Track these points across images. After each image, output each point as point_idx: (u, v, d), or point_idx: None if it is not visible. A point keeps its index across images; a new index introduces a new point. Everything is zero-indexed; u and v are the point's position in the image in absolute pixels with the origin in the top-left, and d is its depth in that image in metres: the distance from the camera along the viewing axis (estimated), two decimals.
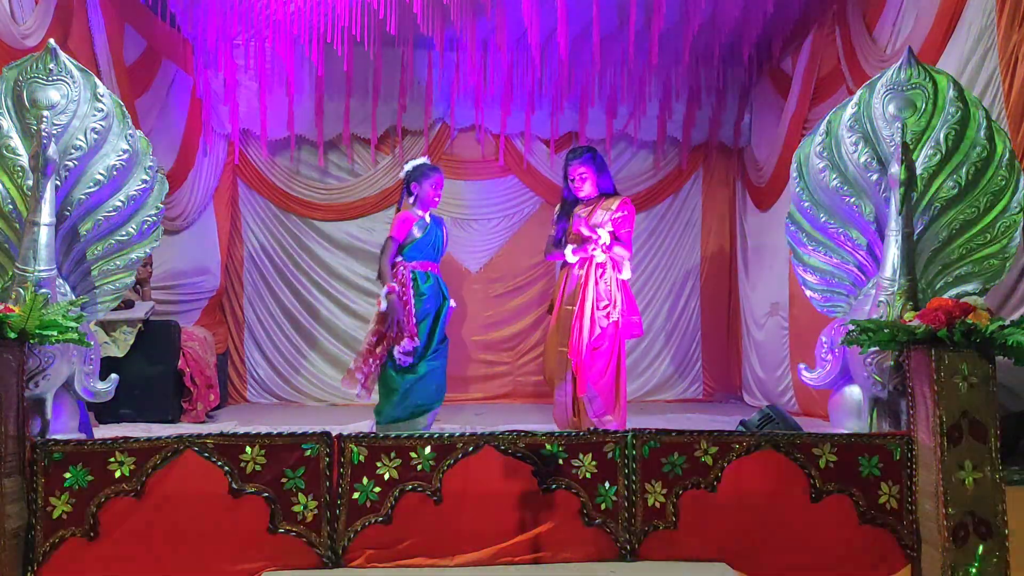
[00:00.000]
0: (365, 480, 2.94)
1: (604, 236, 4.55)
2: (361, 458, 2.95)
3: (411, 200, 4.87)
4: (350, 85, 7.07)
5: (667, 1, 5.57)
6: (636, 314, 4.75)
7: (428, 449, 2.96)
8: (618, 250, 4.61)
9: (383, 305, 4.62)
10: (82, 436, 3.21)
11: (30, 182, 3.10)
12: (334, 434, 2.98)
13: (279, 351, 7.40)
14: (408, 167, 4.96)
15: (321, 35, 5.85)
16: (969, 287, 3.29)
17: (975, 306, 2.82)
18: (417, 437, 2.99)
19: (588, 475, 2.99)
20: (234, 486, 2.89)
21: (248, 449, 2.91)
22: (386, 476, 2.94)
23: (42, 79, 3.17)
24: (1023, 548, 2.80)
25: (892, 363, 3.09)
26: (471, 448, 2.98)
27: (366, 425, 5.30)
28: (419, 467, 2.96)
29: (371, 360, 4.70)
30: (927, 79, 3.29)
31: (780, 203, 6.38)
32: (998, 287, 3.46)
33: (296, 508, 2.91)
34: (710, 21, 6.14)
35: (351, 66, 6.34)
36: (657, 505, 2.97)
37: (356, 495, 2.93)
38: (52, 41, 3.25)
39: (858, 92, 3.45)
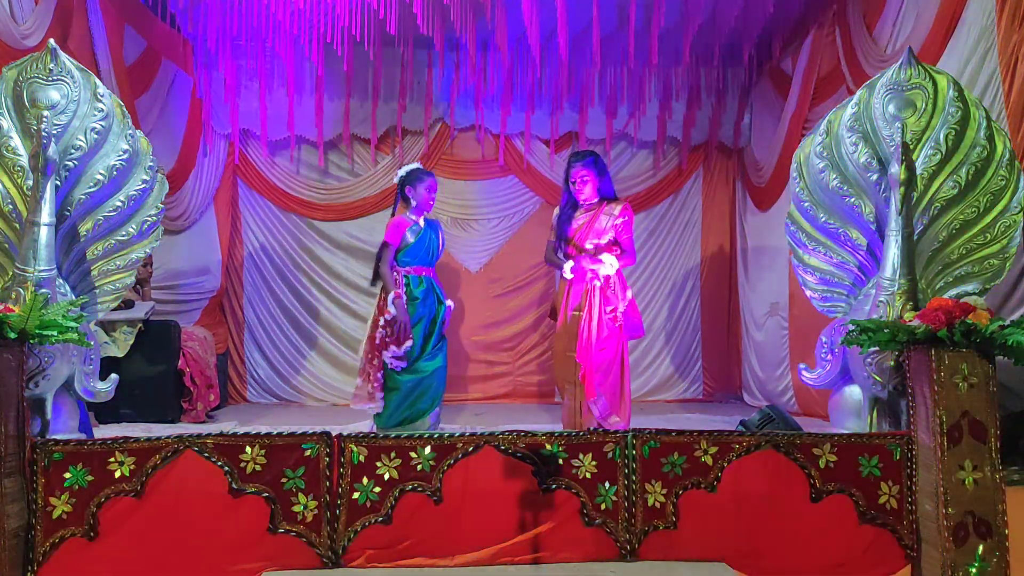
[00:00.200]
0: (365, 480, 2.94)
1: (609, 268, 4.59)
2: (361, 458, 2.95)
3: (406, 204, 4.89)
4: (350, 85, 7.07)
5: (667, 1, 5.57)
6: (637, 315, 4.77)
7: (428, 449, 2.96)
8: (618, 263, 4.67)
9: (391, 311, 4.65)
10: (82, 436, 3.21)
11: (30, 182, 3.10)
12: (334, 434, 2.98)
13: (279, 351, 7.40)
14: (402, 172, 4.99)
15: (321, 35, 5.84)
16: (969, 287, 3.29)
17: (975, 306, 2.82)
18: (417, 437, 2.99)
19: (588, 475, 2.99)
20: (234, 486, 2.89)
21: (248, 449, 2.91)
22: (386, 476, 2.95)
23: (42, 79, 3.17)
24: (1023, 548, 2.80)
25: (892, 363, 3.09)
26: (471, 448, 2.98)
27: (366, 425, 5.30)
28: (419, 467, 2.96)
29: (375, 372, 4.70)
30: (927, 79, 3.29)
31: (780, 203, 6.37)
32: (998, 287, 3.46)
33: (296, 508, 2.91)
34: (710, 21, 6.14)
35: (351, 66, 6.34)
36: (657, 505, 2.97)
37: (356, 495, 2.93)
38: (52, 41, 3.25)
39: (858, 92, 3.45)
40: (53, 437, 3.00)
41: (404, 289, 4.75)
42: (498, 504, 2.96)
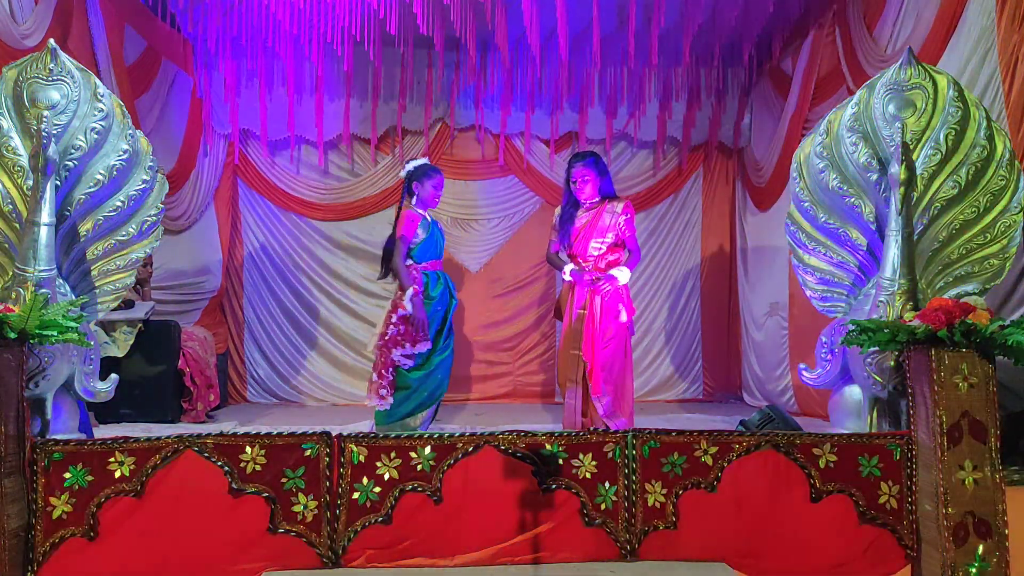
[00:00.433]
0: (365, 480, 2.94)
1: (625, 277, 4.66)
2: (361, 458, 2.95)
3: (412, 200, 4.88)
4: (350, 85, 7.07)
5: (667, 1, 5.57)
6: (631, 313, 4.83)
7: (428, 449, 2.96)
8: (630, 271, 4.73)
9: (408, 308, 4.62)
10: (82, 436, 3.21)
11: (30, 182, 3.10)
12: (334, 434, 2.98)
13: (279, 351, 7.40)
14: (409, 167, 4.98)
15: (321, 35, 5.84)
16: (969, 287, 3.29)
17: (975, 306, 2.82)
18: (417, 437, 2.99)
19: (588, 475, 2.99)
20: (234, 486, 2.89)
21: (248, 449, 2.91)
22: (386, 476, 2.95)
23: (42, 79, 3.17)
24: (1023, 548, 2.80)
25: (892, 363, 3.09)
26: (471, 448, 2.98)
27: (366, 425, 5.30)
28: (419, 467, 2.96)
29: (386, 369, 4.68)
30: (927, 79, 3.29)
31: (780, 203, 6.37)
32: (998, 287, 3.46)
33: (296, 508, 2.91)
34: (710, 21, 6.14)
35: (351, 66, 6.34)
36: (657, 505, 2.97)
37: (356, 495, 2.93)
38: (52, 41, 3.25)
39: (858, 92, 3.45)
40: (53, 437, 3.00)
41: (422, 287, 4.72)
42: (498, 504, 2.96)
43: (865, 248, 3.47)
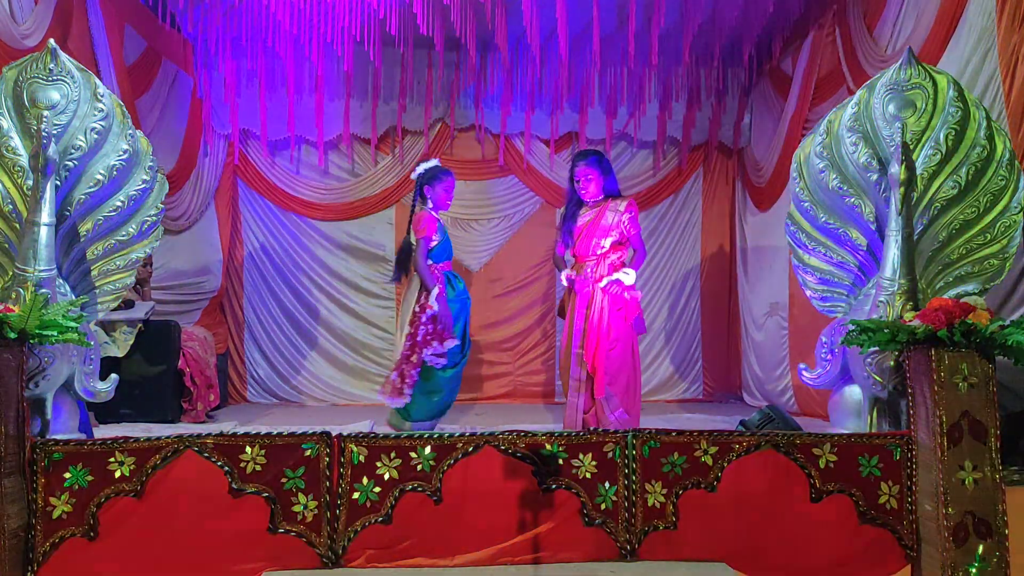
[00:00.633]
0: (365, 480, 2.94)
1: (627, 279, 4.63)
2: (361, 458, 2.95)
3: (423, 202, 4.84)
4: (350, 85, 7.07)
5: (667, 1, 5.57)
6: (640, 312, 4.79)
7: (428, 449, 2.96)
8: (634, 272, 4.70)
9: (436, 307, 4.58)
10: (82, 436, 3.21)
11: (30, 182, 3.10)
12: (334, 434, 2.98)
13: (279, 351, 7.40)
14: (420, 169, 4.92)
15: (321, 35, 5.84)
16: (969, 287, 3.29)
17: (975, 306, 2.82)
18: (417, 437, 2.99)
19: (588, 475, 2.99)
20: (234, 486, 2.89)
21: (248, 449, 2.91)
22: (386, 476, 2.94)
23: (42, 79, 3.17)
24: (1023, 548, 2.80)
25: (892, 363, 3.09)
26: (471, 448, 2.98)
27: (366, 425, 5.29)
28: (419, 467, 2.96)
29: (411, 369, 4.62)
30: (927, 79, 3.29)
31: (780, 203, 6.37)
32: (998, 287, 3.46)
33: (296, 508, 2.91)
34: (710, 21, 6.14)
35: (351, 66, 6.34)
36: (657, 505, 2.97)
37: (356, 495, 2.93)
38: (52, 41, 3.25)
39: (858, 92, 3.45)
40: (53, 437, 3.00)
41: (445, 286, 4.69)
42: (498, 504, 2.96)
43: (865, 248, 3.47)
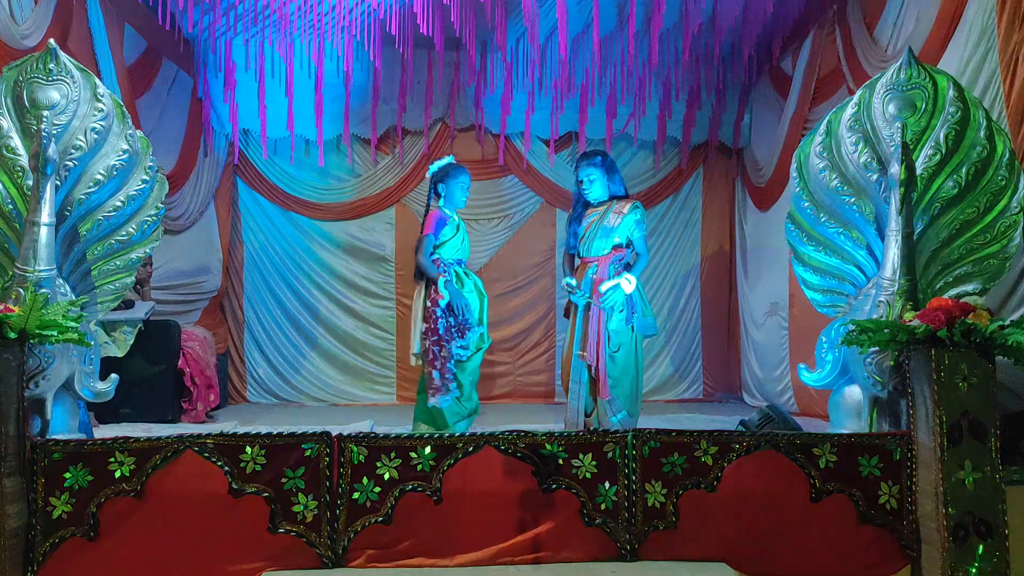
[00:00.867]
0: (365, 480, 2.94)
1: (627, 287, 4.51)
2: (361, 458, 2.95)
3: (440, 202, 4.77)
4: (350, 85, 7.07)
5: (667, 1, 5.57)
6: (649, 315, 4.69)
7: (428, 449, 2.96)
8: (634, 279, 4.57)
9: (444, 296, 4.51)
10: (82, 436, 3.21)
11: (30, 182, 3.10)
12: (334, 434, 2.98)
13: (279, 351, 7.41)
14: (434, 168, 4.83)
15: (321, 35, 5.84)
16: (969, 287, 3.29)
17: (975, 306, 2.82)
18: (417, 437, 2.99)
19: (588, 475, 2.99)
20: (234, 486, 2.89)
21: (248, 449, 2.91)
22: (386, 476, 2.94)
23: (42, 79, 3.17)
24: (1023, 548, 2.80)
25: (892, 363, 3.09)
26: (471, 448, 2.98)
27: (366, 425, 5.30)
28: (419, 467, 2.96)
29: (444, 363, 4.52)
30: (927, 79, 3.29)
31: (780, 203, 6.38)
32: (998, 287, 3.46)
33: (296, 508, 2.91)
34: (710, 21, 6.14)
35: (351, 66, 6.34)
36: (657, 505, 2.97)
37: (356, 495, 2.93)
38: (52, 41, 3.25)
39: (858, 92, 3.44)
40: (53, 437, 3.00)
41: (455, 279, 4.61)
42: (498, 504, 2.96)
43: (865, 248, 3.47)
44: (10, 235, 3.17)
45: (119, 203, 3.33)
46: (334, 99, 7.10)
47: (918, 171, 3.24)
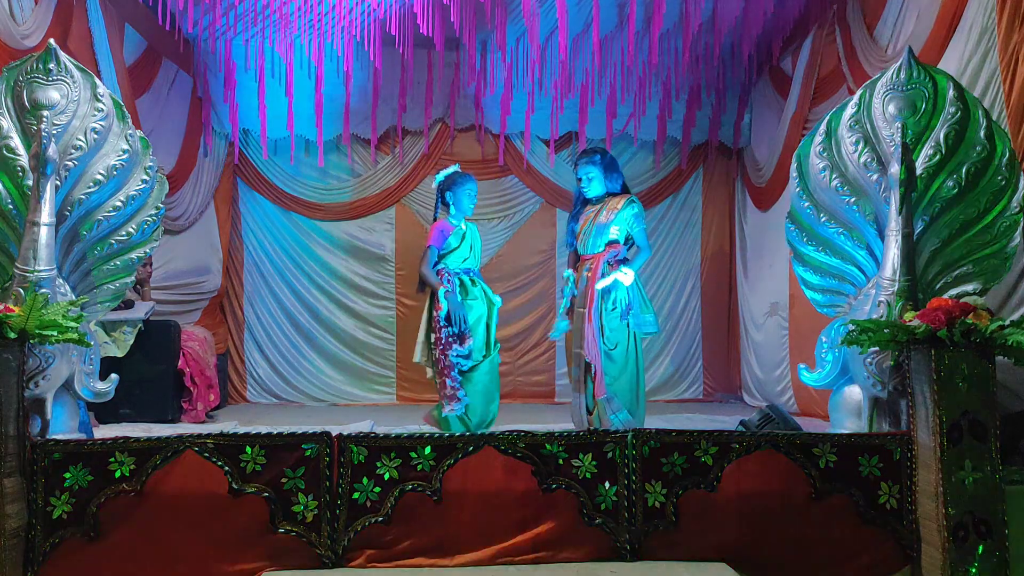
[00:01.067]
0: (365, 480, 2.94)
1: (625, 280, 4.48)
2: (361, 458, 2.95)
3: (446, 209, 4.74)
4: (350, 85, 7.07)
5: (667, 1, 5.57)
6: (649, 312, 4.66)
7: (428, 449, 2.96)
8: (631, 273, 4.54)
9: (443, 307, 4.52)
10: (82, 436, 3.21)
11: (30, 182, 3.10)
12: (334, 434, 2.98)
13: (279, 351, 7.41)
14: (440, 177, 4.82)
15: (321, 35, 5.85)
16: (969, 287, 3.29)
17: (975, 306, 2.82)
18: (417, 437, 2.99)
19: (588, 475, 2.98)
20: (234, 486, 2.89)
21: (248, 449, 2.91)
22: (386, 476, 2.94)
23: (42, 79, 3.17)
24: (1023, 548, 2.80)
25: (892, 363, 3.09)
26: (471, 448, 2.98)
27: (366, 425, 5.29)
28: (419, 467, 2.96)
29: (450, 371, 4.53)
30: (927, 79, 3.29)
31: (780, 203, 6.38)
32: (998, 287, 3.46)
33: (296, 508, 2.90)
34: (710, 21, 6.14)
35: (351, 66, 6.35)
36: (657, 505, 2.97)
37: (356, 495, 2.93)
38: (52, 41, 3.25)
39: (858, 92, 3.45)
40: (53, 437, 3.00)
41: (458, 288, 4.60)
42: (498, 504, 2.96)
43: (865, 248, 3.47)
44: (10, 235, 3.17)
45: (119, 203, 3.33)
46: (334, 99, 7.10)
47: (918, 171, 3.24)
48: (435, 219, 4.84)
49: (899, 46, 4.79)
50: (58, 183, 3.14)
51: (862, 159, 3.36)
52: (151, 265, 6.14)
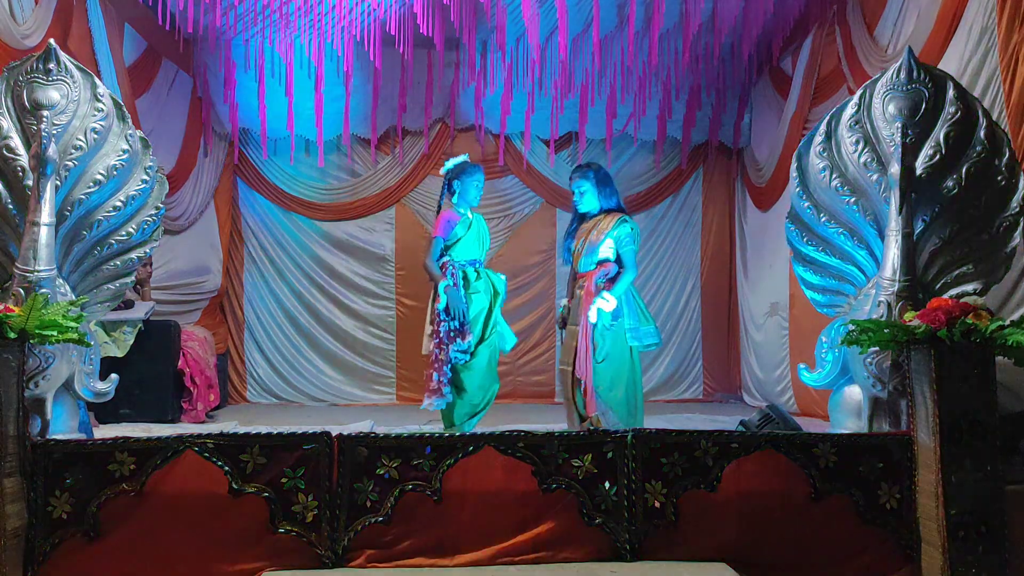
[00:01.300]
0: (365, 480, 2.94)
1: (606, 307, 4.37)
2: (361, 458, 2.95)
3: (453, 199, 4.71)
4: (350, 85, 7.08)
5: (667, 1, 5.57)
6: (648, 323, 4.55)
7: (428, 449, 2.96)
8: (612, 301, 4.41)
9: (441, 301, 4.49)
10: (82, 436, 3.21)
11: (30, 182, 3.10)
12: (334, 434, 2.98)
13: (279, 351, 7.41)
14: (449, 165, 4.77)
15: (321, 35, 5.85)
16: (969, 287, 3.28)
17: (975, 306, 2.82)
18: (417, 437, 2.99)
19: (588, 475, 2.98)
20: (234, 486, 2.89)
21: (248, 449, 2.91)
22: (386, 476, 2.94)
23: (42, 79, 3.16)
24: (1023, 548, 2.80)
25: (892, 363, 3.09)
26: (471, 448, 2.98)
27: (366, 425, 5.30)
28: (419, 467, 2.95)
29: (442, 366, 4.51)
30: (927, 79, 3.29)
31: (780, 203, 6.38)
32: (998, 287, 3.46)
33: (296, 508, 2.90)
34: (710, 21, 6.15)
35: (351, 66, 6.35)
36: (657, 505, 2.97)
37: (356, 495, 2.93)
38: (52, 41, 3.24)
39: (858, 92, 3.44)
40: (53, 437, 3.00)
41: (462, 282, 4.57)
42: (498, 504, 2.96)
43: (865, 248, 3.47)
44: (10, 235, 3.17)
45: (119, 203, 3.33)
46: (334, 99, 7.10)
47: (918, 171, 3.24)
48: (439, 208, 4.81)
49: (899, 46, 4.79)
50: (58, 183, 3.13)
51: (862, 159, 3.36)
52: (151, 265, 6.14)
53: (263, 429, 3.14)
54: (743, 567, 2.92)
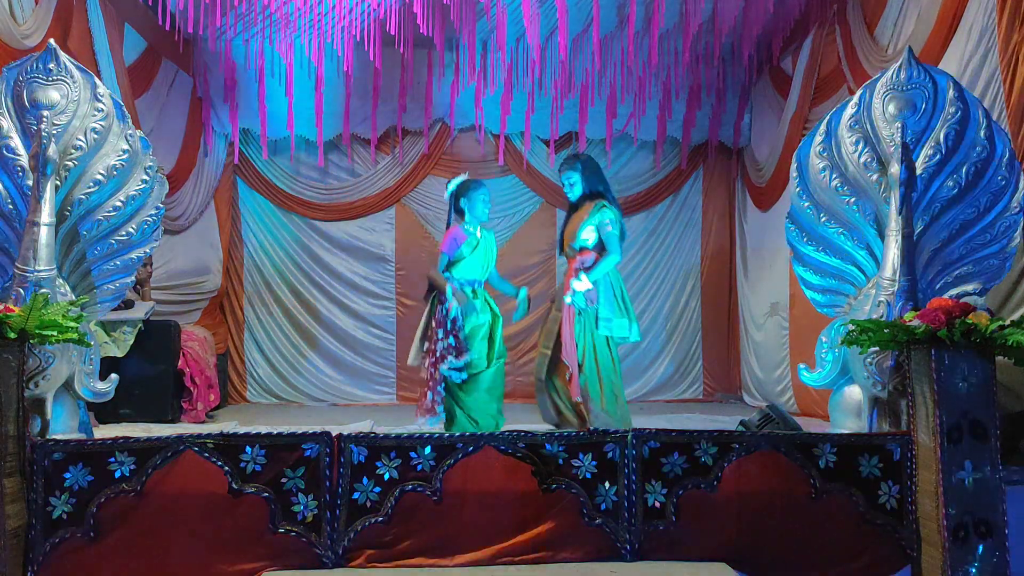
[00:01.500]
0: (365, 480, 2.94)
1: (579, 287, 4.46)
2: (361, 458, 2.95)
3: (460, 217, 4.71)
4: (350, 85, 7.07)
5: (667, 1, 5.57)
6: (624, 317, 4.57)
7: (428, 449, 2.96)
8: (589, 281, 4.49)
9: (453, 309, 4.50)
10: (82, 436, 3.21)
11: (30, 182, 3.10)
12: (334, 434, 2.98)
13: (279, 351, 7.41)
14: (452, 186, 4.76)
15: (321, 35, 5.85)
16: (969, 287, 3.29)
17: (975, 306, 2.82)
18: (417, 437, 2.99)
19: (588, 475, 2.98)
20: (234, 486, 2.89)
21: (248, 449, 2.91)
22: (386, 476, 2.94)
23: (42, 79, 3.16)
24: (1023, 548, 2.80)
25: (892, 363, 3.09)
26: (471, 448, 2.98)
27: (366, 425, 5.30)
28: (419, 467, 2.95)
29: (436, 384, 4.53)
30: (927, 79, 3.29)
31: (780, 203, 6.38)
32: (998, 287, 3.46)
33: (296, 508, 2.90)
34: (710, 21, 6.15)
35: (351, 66, 6.35)
36: (657, 505, 2.97)
37: (356, 495, 2.93)
38: (52, 41, 3.25)
39: (858, 92, 3.44)
40: (53, 437, 3.00)
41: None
42: (498, 504, 2.96)
43: (865, 248, 3.47)
44: (10, 235, 3.17)
45: (119, 203, 3.33)
46: (334, 99, 7.10)
47: (918, 171, 3.24)
48: (448, 226, 4.80)
49: (899, 46, 4.79)
50: (58, 183, 3.14)
51: (862, 159, 3.36)
52: (151, 265, 6.14)
53: (263, 429, 3.14)
54: (743, 567, 2.92)
